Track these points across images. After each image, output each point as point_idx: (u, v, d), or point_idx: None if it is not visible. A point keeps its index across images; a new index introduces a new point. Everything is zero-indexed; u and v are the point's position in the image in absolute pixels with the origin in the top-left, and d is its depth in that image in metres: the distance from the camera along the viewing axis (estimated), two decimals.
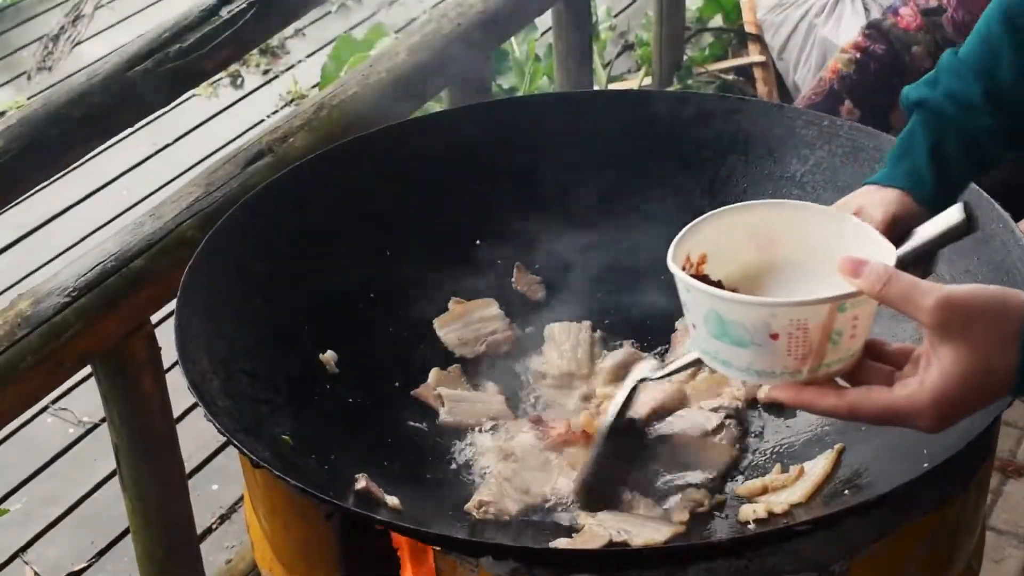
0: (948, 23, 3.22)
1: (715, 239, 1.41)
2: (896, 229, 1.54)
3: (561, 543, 1.58)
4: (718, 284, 1.39)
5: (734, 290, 1.38)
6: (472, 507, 1.66)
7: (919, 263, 1.56)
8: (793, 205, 1.48)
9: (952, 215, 1.48)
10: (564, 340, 1.94)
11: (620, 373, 1.87)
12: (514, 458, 1.74)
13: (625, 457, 1.73)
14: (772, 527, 1.58)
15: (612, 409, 1.75)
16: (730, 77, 4.11)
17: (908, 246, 1.51)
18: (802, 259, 1.42)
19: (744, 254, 1.43)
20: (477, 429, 1.83)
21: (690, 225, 1.41)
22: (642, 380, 1.74)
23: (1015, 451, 3.16)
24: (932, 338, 1.24)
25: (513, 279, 2.05)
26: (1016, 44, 1.59)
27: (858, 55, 3.25)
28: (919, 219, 1.54)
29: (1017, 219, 2.89)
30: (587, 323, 1.96)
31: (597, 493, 1.67)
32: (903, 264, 1.48)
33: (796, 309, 1.26)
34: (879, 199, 1.59)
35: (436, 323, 1.97)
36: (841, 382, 1.33)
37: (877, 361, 1.33)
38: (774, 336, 1.27)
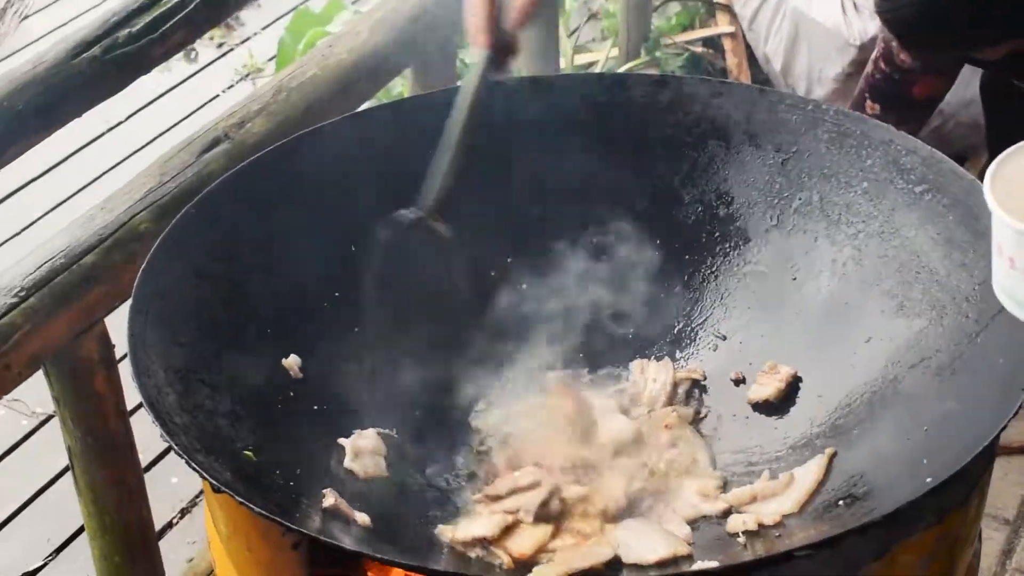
0: None
1: (1008, 180, 1.30)
2: None
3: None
4: None
5: None
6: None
7: None
8: None
9: None
10: None
11: None
12: None
13: None
14: (764, 542, 1.51)
15: None
16: (699, 49, 4.02)
17: None
18: None
19: None
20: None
21: (994, 165, 1.31)
22: None
23: None
24: None
25: None
26: None
27: None
28: None
29: None
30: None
31: None
32: None
33: None
34: None
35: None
36: None
37: None
38: None
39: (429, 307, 1.84)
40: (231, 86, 4.74)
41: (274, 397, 1.72)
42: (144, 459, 2.78)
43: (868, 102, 2.95)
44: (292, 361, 1.76)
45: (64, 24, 4.92)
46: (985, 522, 2.88)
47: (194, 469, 1.41)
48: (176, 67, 4.86)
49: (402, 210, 1.74)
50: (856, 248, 1.83)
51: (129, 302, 1.64)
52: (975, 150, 3.48)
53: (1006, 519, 2.92)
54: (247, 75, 4.78)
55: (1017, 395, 1.44)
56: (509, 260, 1.97)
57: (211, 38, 5.02)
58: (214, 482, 1.39)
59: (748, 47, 3.94)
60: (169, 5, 2.13)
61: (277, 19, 5.08)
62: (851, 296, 1.80)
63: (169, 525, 3.03)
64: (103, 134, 4.44)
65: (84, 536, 2.76)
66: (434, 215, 1.73)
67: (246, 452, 1.58)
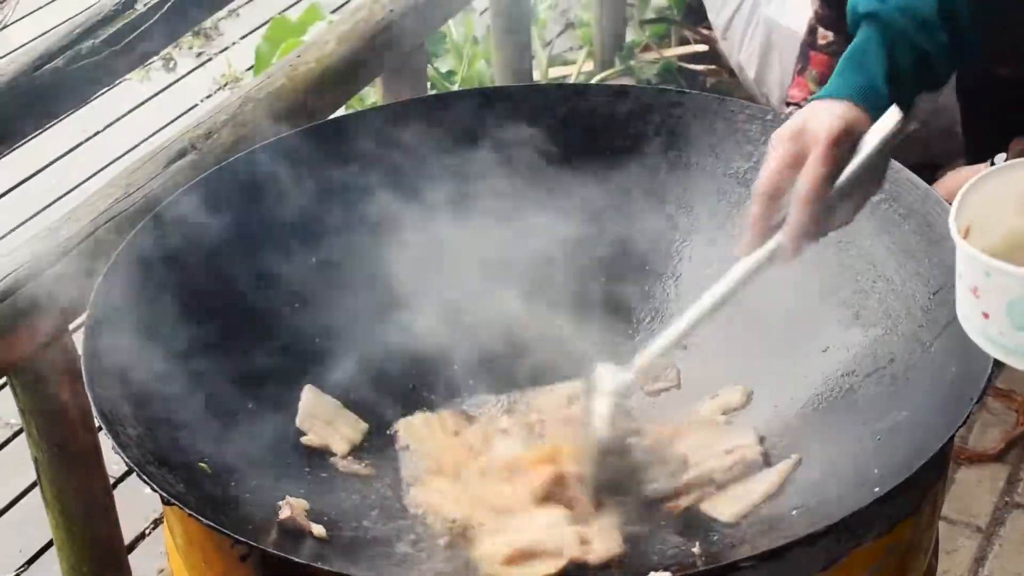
0: None
1: (980, 205, 1.27)
2: (845, 141, 1.50)
3: None
4: None
5: None
6: None
7: (873, 177, 1.55)
8: None
9: (890, 118, 1.48)
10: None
11: None
12: None
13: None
14: (710, 551, 1.51)
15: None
16: (674, 61, 4.03)
17: (857, 160, 1.49)
18: None
19: (1008, 221, 1.28)
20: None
21: (963, 191, 1.27)
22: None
23: (967, 437, 3.11)
24: None
25: None
26: None
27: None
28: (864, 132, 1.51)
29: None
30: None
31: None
32: (856, 179, 1.49)
33: None
34: (829, 111, 1.51)
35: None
36: None
37: None
38: None
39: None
40: (209, 95, 4.74)
41: (232, 408, 1.72)
42: (117, 470, 2.79)
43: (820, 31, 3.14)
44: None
45: (45, 32, 4.91)
46: (958, 530, 2.90)
47: (145, 481, 1.41)
48: (155, 76, 4.86)
49: None
50: (814, 257, 1.83)
51: (86, 313, 1.65)
52: (950, 157, 3.49)
53: (979, 527, 2.92)
54: (225, 84, 4.78)
55: (967, 405, 1.45)
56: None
57: (190, 47, 5.02)
58: (163, 494, 1.39)
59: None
60: (132, 17, 2.13)
61: (255, 28, 5.08)
62: (809, 306, 1.81)
63: (141, 536, 3.03)
64: (81, 143, 4.43)
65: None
66: None
67: (201, 464, 1.58)
